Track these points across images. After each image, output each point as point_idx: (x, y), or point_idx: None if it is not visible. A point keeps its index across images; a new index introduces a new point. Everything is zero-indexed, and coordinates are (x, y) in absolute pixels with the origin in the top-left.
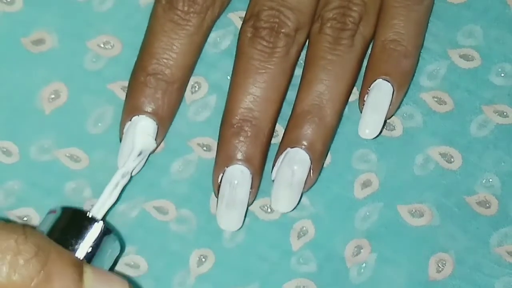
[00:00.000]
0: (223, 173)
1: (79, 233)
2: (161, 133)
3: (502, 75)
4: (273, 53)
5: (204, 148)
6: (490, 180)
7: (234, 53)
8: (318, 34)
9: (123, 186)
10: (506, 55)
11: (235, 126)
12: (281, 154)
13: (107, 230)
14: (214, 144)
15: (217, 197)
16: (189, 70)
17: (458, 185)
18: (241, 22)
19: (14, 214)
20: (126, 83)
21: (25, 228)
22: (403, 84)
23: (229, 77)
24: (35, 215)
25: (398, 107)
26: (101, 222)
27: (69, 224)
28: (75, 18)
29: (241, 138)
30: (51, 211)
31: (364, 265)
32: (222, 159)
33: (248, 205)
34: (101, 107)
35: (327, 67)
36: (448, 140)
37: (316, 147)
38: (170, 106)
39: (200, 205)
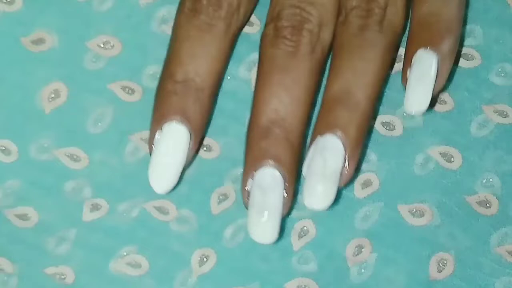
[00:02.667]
0: (252, 178)
1: None
2: (195, 143)
3: (502, 74)
4: (298, 51)
5: (204, 149)
6: (491, 180)
7: (235, 54)
8: (343, 23)
9: None
10: (506, 55)
11: (262, 128)
12: (312, 145)
13: None
14: (214, 144)
15: (247, 207)
16: (218, 77)
17: (458, 184)
18: (250, 28)
19: (13, 213)
20: (126, 83)
21: None
22: (447, 54)
23: (229, 77)
24: (34, 214)
25: (447, 82)
26: None
27: None
28: (75, 18)
29: (270, 140)
30: None
31: (364, 264)
32: (250, 163)
33: (283, 215)
34: (101, 107)
35: (355, 52)
36: (448, 140)
37: (350, 133)
38: (202, 114)
39: (201, 205)
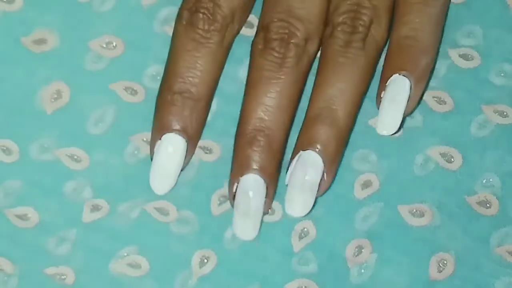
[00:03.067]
0: (238, 183)
1: None
2: (191, 150)
3: (502, 75)
4: (284, 63)
5: (206, 151)
6: (491, 180)
7: (235, 57)
8: (329, 38)
9: None
10: (505, 55)
11: (248, 136)
12: (294, 157)
13: None
14: (214, 147)
15: (232, 206)
16: (213, 87)
17: (458, 185)
18: (246, 29)
19: (13, 213)
20: (127, 83)
21: None
22: (421, 79)
23: (229, 80)
24: (34, 214)
25: (417, 104)
26: None
27: None
28: (77, 17)
29: (254, 148)
30: None
31: (365, 265)
32: (237, 169)
33: (264, 214)
34: (102, 108)
35: (338, 70)
36: (448, 140)
37: (329, 150)
38: (197, 123)
39: (201, 206)
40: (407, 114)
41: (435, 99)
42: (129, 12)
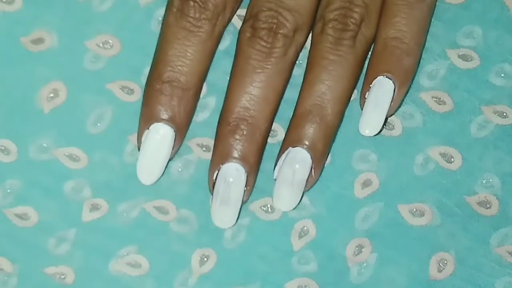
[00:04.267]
0: (218, 171)
1: None
2: (179, 140)
3: (502, 75)
4: (271, 53)
5: (204, 149)
6: (491, 180)
7: (233, 53)
8: (320, 34)
9: None
10: (505, 56)
11: (231, 125)
12: (283, 153)
13: None
14: (213, 144)
15: (212, 194)
16: (203, 76)
17: (458, 185)
18: (240, 22)
19: (12, 212)
20: (125, 83)
21: None
22: (405, 82)
23: (228, 77)
24: (34, 214)
25: (400, 105)
26: None
27: None
28: (75, 17)
29: (237, 137)
30: None
31: (365, 264)
32: (218, 157)
33: (243, 203)
34: (100, 107)
35: (328, 67)
36: (448, 140)
37: (317, 147)
38: (186, 113)
39: (201, 205)
40: (389, 116)
41: (435, 99)
42: (127, 11)
